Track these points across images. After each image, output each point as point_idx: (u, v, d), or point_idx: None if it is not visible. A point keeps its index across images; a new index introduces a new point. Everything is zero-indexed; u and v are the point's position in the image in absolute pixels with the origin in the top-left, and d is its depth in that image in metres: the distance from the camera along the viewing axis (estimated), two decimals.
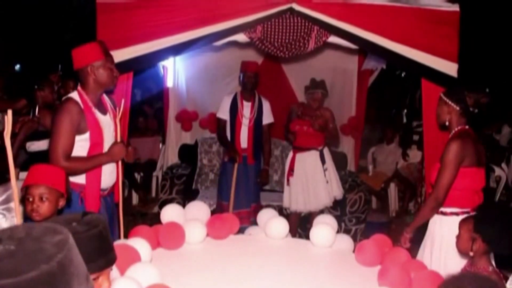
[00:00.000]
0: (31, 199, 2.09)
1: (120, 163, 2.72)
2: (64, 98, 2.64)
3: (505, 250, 2.06)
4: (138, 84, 5.93)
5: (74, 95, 2.57)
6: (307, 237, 2.84)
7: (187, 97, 5.61)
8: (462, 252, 2.20)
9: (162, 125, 5.93)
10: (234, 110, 4.28)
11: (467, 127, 2.61)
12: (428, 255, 2.64)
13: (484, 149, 2.69)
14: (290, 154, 4.43)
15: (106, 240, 1.46)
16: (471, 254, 2.10)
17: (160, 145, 6.49)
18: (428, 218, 2.64)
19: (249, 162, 4.32)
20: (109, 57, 2.62)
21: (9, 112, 1.95)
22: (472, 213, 2.43)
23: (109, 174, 2.68)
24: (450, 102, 2.61)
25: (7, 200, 2.67)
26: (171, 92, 5.49)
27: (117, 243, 2.36)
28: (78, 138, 2.51)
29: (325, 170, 4.28)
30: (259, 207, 4.25)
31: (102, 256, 1.43)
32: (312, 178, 4.28)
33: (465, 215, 2.41)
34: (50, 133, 2.55)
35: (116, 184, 2.79)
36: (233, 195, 4.06)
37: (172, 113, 5.56)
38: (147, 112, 7.21)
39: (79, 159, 2.52)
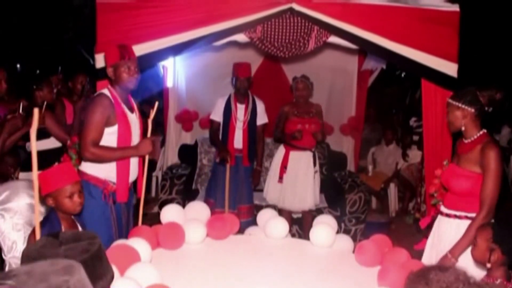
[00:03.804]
0: (76, 195, 2.24)
1: (146, 158, 2.89)
2: (96, 93, 2.86)
3: None
4: (137, 84, 5.92)
5: (105, 91, 2.78)
6: (305, 237, 2.84)
7: (187, 97, 5.60)
8: (478, 261, 2.13)
9: (162, 125, 5.92)
10: (228, 112, 4.26)
11: (485, 131, 2.51)
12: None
13: None
14: (282, 151, 4.39)
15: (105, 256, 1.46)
16: (489, 265, 2.03)
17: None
18: None
19: (244, 164, 4.31)
20: (127, 60, 2.78)
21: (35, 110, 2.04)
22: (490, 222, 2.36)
23: (133, 169, 2.86)
24: (463, 106, 2.48)
25: (6, 201, 2.67)
26: (171, 92, 5.49)
27: (117, 243, 2.36)
28: (107, 130, 2.71)
29: (315, 172, 4.29)
30: (253, 208, 4.30)
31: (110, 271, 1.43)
32: (302, 179, 4.29)
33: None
34: (82, 123, 2.77)
35: (138, 179, 2.95)
36: (228, 196, 4.03)
37: (172, 113, 5.56)
38: (146, 112, 7.19)
39: (106, 147, 2.71)
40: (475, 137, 2.50)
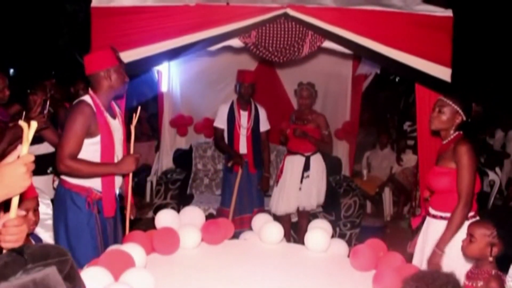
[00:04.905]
0: (30, 213, 2.03)
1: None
2: (76, 100, 2.64)
3: None
4: (132, 89, 5.94)
5: (87, 98, 2.59)
6: (300, 241, 2.84)
7: (182, 102, 5.60)
8: (475, 257, 2.19)
9: (156, 129, 5.91)
10: (232, 119, 4.27)
11: (461, 132, 2.64)
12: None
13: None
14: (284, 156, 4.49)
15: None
16: (491, 259, 2.10)
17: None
18: (461, 227, 2.49)
19: (251, 171, 4.32)
20: (122, 63, 2.68)
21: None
22: (477, 218, 2.48)
23: (118, 180, 2.75)
24: (460, 110, 2.60)
25: None
26: (165, 97, 5.48)
27: (111, 248, 2.35)
28: (89, 141, 2.53)
29: (305, 177, 4.27)
30: (263, 212, 4.28)
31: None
32: (288, 182, 4.31)
33: (472, 220, 2.46)
34: (61, 132, 2.59)
35: (125, 188, 2.86)
36: (234, 202, 4.05)
37: (166, 118, 5.55)
38: (140, 117, 7.19)
39: (84, 161, 2.51)
40: (452, 137, 2.64)
